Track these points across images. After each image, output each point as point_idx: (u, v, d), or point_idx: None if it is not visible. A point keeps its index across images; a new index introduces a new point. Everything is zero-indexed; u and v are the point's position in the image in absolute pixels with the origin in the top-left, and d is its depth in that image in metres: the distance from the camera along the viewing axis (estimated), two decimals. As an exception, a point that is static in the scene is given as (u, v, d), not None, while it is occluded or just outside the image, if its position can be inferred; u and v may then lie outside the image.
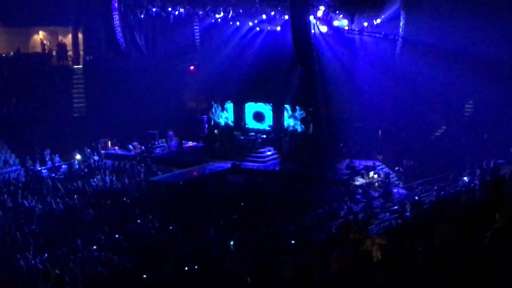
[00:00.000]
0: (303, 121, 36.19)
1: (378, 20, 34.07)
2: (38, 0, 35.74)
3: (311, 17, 33.97)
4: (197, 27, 39.54)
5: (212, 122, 39.07)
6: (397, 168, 31.85)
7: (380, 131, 34.87)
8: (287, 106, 36.74)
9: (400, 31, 32.82)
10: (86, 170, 33.05)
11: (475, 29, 30.63)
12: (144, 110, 38.21)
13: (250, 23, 38.25)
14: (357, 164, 32.16)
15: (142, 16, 37.67)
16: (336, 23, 35.00)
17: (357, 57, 35.55)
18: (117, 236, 21.84)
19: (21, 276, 18.58)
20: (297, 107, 36.29)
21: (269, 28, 37.28)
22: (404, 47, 32.77)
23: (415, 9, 31.56)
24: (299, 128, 36.42)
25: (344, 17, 34.40)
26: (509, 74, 32.56)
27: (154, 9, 37.53)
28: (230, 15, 37.76)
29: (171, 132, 38.19)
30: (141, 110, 38.20)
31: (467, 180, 27.38)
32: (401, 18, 32.62)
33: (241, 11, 37.77)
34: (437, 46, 31.92)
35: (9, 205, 26.41)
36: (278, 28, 37.32)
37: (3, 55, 37.16)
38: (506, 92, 31.61)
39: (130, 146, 36.88)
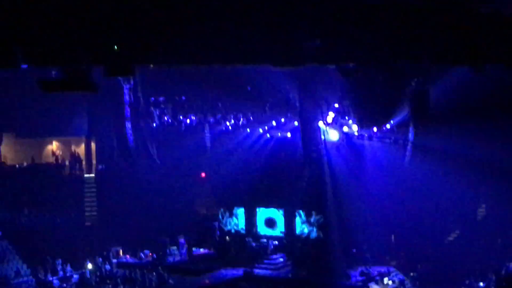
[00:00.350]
0: (320, 226, 36.06)
1: (388, 126, 34.44)
2: (52, 112, 36.49)
3: (321, 123, 34.55)
4: (208, 134, 40.08)
5: (221, 229, 39.03)
6: (412, 273, 31.42)
7: (393, 236, 34.66)
8: (300, 211, 36.71)
9: (410, 136, 33.17)
10: (97, 279, 32.81)
11: (484, 134, 30.83)
12: (155, 217, 38.24)
13: (261, 130, 38.78)
14: (371, 270, 31.84)
15: (154, 124, 38.35)
16: (345, 129, 35.38)
17: (367, 162, 35.73)
18: None
19: None
20: (313, 212, 36.19)
21: (279, 134, 37.74)
22: (414, 152, 33.03)
23: (424, 115, 31.90)
24: (313, 234, 36.21)
25: (353, 123, 34.83)
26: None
27: (166, 118, 38.29)
28: (241, 122, 38.41)
29: (182, 239, 37.99)
30: (152, 218, 38.25)
31: (483, 286, 27.04)
32: (411, 124, 33.00)
33: (251, 118, 38.49)
34: (447, 151, 32.11)
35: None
36: (289, 134, 37.73)
37: (17, 165, 37.61)
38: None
39: (142, 254, 36.67)
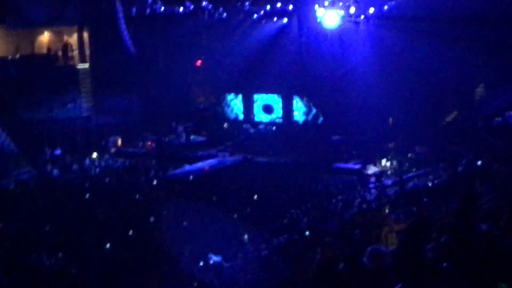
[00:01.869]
0: (317, 111, 36.08)
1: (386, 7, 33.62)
2: (43, 1, 35.61)
3: (317, 6, 33.83)
4: (203, 21, 39.25)
5: (218, 116, 39.06)
6: (409, 155, 31.51)
7: (390, 119, 34.58)
8: (298, 97, 36.64)
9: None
10: (97, 169, 32.98)
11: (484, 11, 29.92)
12: (153, 106, 38.22)
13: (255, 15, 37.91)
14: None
15: (148, 12, 37.49)
16: (341, 12, 34.55)
17: (363, 46, 35.14)
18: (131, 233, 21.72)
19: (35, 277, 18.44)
20: (311, 98, 36.17)
21: (275, 19, 36.94)
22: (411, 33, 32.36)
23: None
24: (311, 118, 36.31)
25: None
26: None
27: (158, 6, 37.39)
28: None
29: (180, 128, 37.98)
30: (149, 106, 38.24)
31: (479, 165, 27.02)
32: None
33: (247, 4, 37.50)
34: (444, 29, 31.31)
35: (21, 206, 26.27)
36: (285, 20, 36.92)
37: (9, 57, 37.00)
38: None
39: (141, 144, 36.76)
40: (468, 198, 8.59)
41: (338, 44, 35.48)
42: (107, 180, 30.28)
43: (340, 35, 35.42)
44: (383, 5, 33.45)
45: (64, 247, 20.34)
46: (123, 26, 36.09)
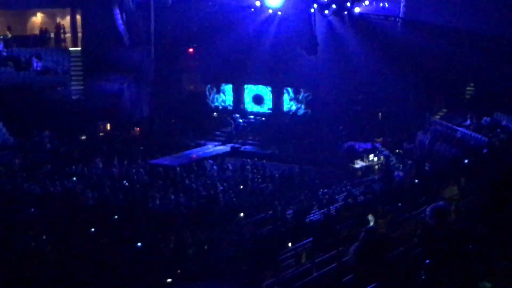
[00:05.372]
0: (307, 103, 36.20)
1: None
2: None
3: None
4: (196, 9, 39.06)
5: (208, 105, 39.11)
6: (397, 150, 31.65)
7: (380, 114, 34.75)
8: (288, 88, 36.75)
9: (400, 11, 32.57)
10: (85, 153, 32.87)
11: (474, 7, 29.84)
12: (143, 93, 38.20)
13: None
14: (357, 147, 32.11)
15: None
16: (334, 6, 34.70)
17: (356, 39, 35.27)
18: (115, 217, 21.80)
19: (20, 258, 18.48)
20: (301, 90, 36.30)
21: (270, 11, 36.82)
22: (404, 27, 32.47)
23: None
24: (300, 111, 36.45)
25: None
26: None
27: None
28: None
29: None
30: (139, 93, 38.20)
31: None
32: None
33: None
34: (436, 24, 31.32)
35: (8, 187, 26.25)
36: (279, 13, 36.76)
37: (1, 37, 36.75)
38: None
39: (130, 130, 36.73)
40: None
41: (332, 38, 35.62)
42: (94, 164, 30.18)
43: (333, 28, 35.61)
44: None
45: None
46: (117, 11, 35.96)
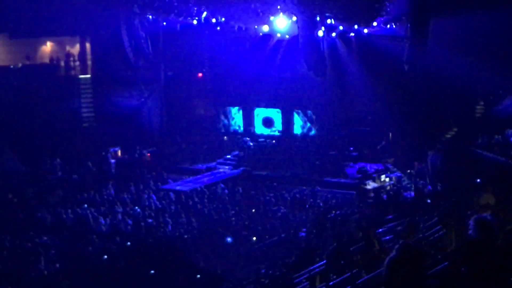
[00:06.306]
0: (318, 125, 36.22)
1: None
2: (46, 11, 35.60)
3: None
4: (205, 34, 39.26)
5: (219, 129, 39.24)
6: (408, 171, 31.54)
7: (390, 135, 34.65)
8: (298, 110, 36.82)
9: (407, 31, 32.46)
10: (96, 179, 32.96)
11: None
12: (153, 119, 38.37)
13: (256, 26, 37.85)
14: (368, 168, 32.05)
15: (149, 23, 37.51)
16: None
17: (363, 60, 35.24)
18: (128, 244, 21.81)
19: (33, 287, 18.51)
20: (310, 111, 36.36)
21: (278, 35, 36.95)
22: (411, 48, 32.34)
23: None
24: (311, 132, 36.46)
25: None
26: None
27: (161, 18, 37.42)
28: (236, 27, 37.20)
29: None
30: (150, 118, 38.38)
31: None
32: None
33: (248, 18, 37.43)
34: (444, 41, 31.15)
35: (21, 216, 26.32)
36: (287, 36, 36.86)
37: (11, 66, 37.04)
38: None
39: (140, 155, 36.77)
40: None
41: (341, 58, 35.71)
42: (105, 191, 30.29)
43: (340, 47, 35.69)
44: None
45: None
46: (125, 38, 36.16)
